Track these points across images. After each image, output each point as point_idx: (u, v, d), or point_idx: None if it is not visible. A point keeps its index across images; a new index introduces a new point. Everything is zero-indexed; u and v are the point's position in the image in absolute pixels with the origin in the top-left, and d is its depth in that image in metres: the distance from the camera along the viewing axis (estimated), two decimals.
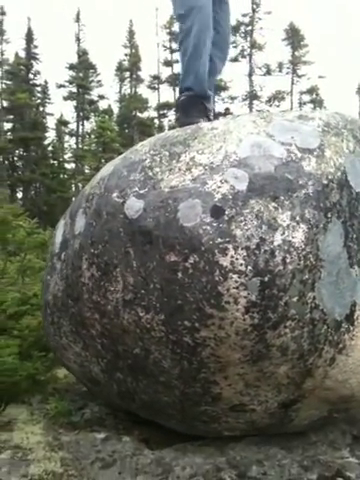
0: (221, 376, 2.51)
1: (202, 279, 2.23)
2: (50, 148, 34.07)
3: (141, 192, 2.48)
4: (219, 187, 2.32)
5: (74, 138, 37.44)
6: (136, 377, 2.77)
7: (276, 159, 2.43)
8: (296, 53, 36.98)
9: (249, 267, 2.18)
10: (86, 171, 29.24)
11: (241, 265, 2.18)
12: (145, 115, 37.15)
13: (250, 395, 2.62)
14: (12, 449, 3.05)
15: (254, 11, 34.22)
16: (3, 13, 35.40)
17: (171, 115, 36.59)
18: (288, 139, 2.57)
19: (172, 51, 36.46)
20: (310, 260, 2.29)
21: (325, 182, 2.44)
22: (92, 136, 30.85)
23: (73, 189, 33.51)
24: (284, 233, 2.25)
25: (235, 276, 2.17)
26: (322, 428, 3.16)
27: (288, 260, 2.23)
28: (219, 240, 2.20)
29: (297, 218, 2.29)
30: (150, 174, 2.55)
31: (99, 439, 3.20)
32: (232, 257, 2.18)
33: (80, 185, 28.66)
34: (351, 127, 2.86)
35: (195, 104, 3.43)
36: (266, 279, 2.20)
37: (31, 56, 36.67)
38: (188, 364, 2.49)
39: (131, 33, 38.11)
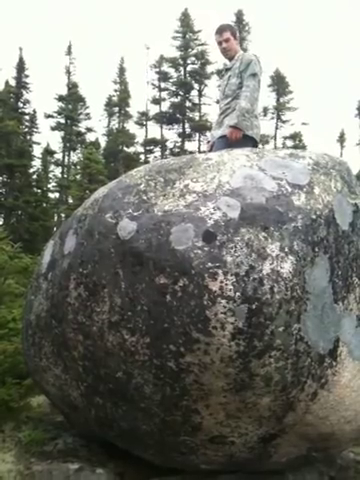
0: (203, 404, 2.53)
1: (190, 303, 2.29)
2: (35, 176, 34.28)
3: (135, 214, 2.57)
4: (212, 213, 2.42)
5: (60, 168, 37.92)
6: (116, 403, 2.77)
7: (267, 192, 2.55)
8: (281, 99, 38.34)
9: (238, 293, 2.25)
10: (70, 201, 29.41)
11: (230, 291, 2.25)
12: (132, 150, 37.95)
13: (231, 426, 2.64)
14: None
15: None
16: None
17: (157, 151, 37.43)
18: (279, 174, 2.70)
19: (160, 89, 37.71)
20: (297, 291, 2.38)
21: (313, 217, 2.56)
22: (78, 167, 31.21)
23: (55, 218, 33.65)
24: (273, 263, 2.34)
25: (223, 301, 2.24)
26: (299, 468, 3.17)
27: (276, 289, 2.31)
28: (210, 265, 2.28)
29: (286, 249, 2.39)
30: (144, 198, 2.64)
31: (72, 470, 3.17)
32: (222, 282, 2.25)
33: (63, 215, 28.79)
34: (339, 168, 3.01)
35: None
36: (254, 306, 2.27)
37: (21, 85, 37.33)
38: (170, 390, 2.51)
39: (122, 70, 39.20)
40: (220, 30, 4.52)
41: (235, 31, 4.69)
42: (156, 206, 2.58)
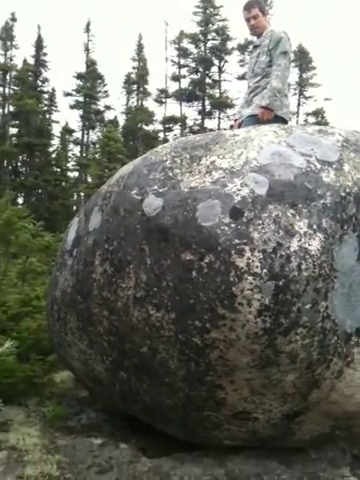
0: (227, 380, 2.55)
1: (216, 279, 2.30)
2: (54, 155, 34.46)
3: (161, 191, 2.57)
4: (239, 190, 2.41)
5: (78, 147, 37.93)
6: (140, 377, 2.82)
7: (296, 168, 2.53)
8: (304, 75, 37.52)
9: (265, 270, 2.25)
10: (89, 180, 29.46)
11: (257, 267, 2.25)
12: (150, 128, 37.65)
13: (255, 403, 2.66)
14: (8, 450, 3.09)
15: None
16: (14, 19, 35.89)
17: (176, 129, 37.14)
18: (308, 150, 2.67)
19: (180, 66, 37.21)
20: (325, 269, 2.37)
21: (343, 194, 2.54)
22: (97, 145, 31.18)
23: (75, 197, 33.84)
24: (301, 240, 2.33)
25: (250, 278, 2.25)
26: (322, 446, 3.19)
27: (303, 267, 2.30)
28: (236, 241, 2.28)
29: (314, 226, 2.38)
30: (170, 174, 2.64)
31: (96, 444, 3.24)
32: (248, 259, 2.25)
33: (82, 194, 28.95)
34: None
35: None
36: (281, 283, 2.27)
37: (40, 63, 37.27)
38: (195, 366, 2.54)
39: (140, 47, 38.62)
40: (248, 6, 4.36)
41: (263, 7, 4.53)
42: (182, 183, 2.58)
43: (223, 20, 35.63)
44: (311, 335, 2.40)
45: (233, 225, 2.32)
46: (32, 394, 4.03)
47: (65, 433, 3.41)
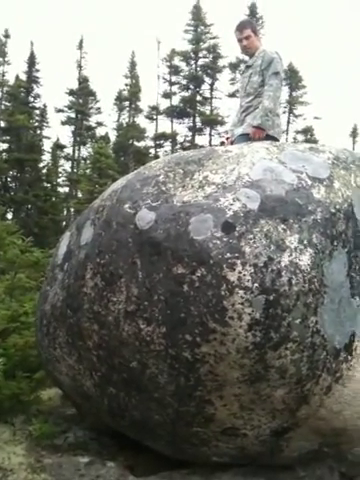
0: (217, 395, 2.56)
1: (208, 293, 2.32)
2: (44, 171, 34.50)
3: (153, 204, 2.60)
4: (231, 204, 2.45)
5: (69, 162, 38.03)
6: (129, 392, 2.81)
7: (287, 184, 2.58)
8: (294, 93, 38.06)
9: (256, 284, 2.28)
10: (79, 195, 29.45)
11: (248, 281, 2.28)
12: (142, 144, 37.82)
13: (244, 418, 2.67)
14: None
15: None
16: (7, 36, 36.15)
17: (167, 146, 37.37)
18: (299, 167, 2.73)
19: (171, 83, 37.55)
20: (315, 284, 2.41)
21: (333, 211, 2.59)
22: (88, 161, 31.24)
23: (65, 213, 33.77)
24: (291, 255, 2.37)
25: (241, 292, 2.27)
26: (310, 463, 3.19)
27: (294, 281, 2.34)
28: (228, 255, 2.31)
29: (305, 242, 2.42)
30: (163, 189, 2.67)
31: (83, 463, 3.21)
32: (240, 273, 2.28)
33: (72, 209, 28.93)
34: (359, 163, 3.04)
35: None
36: (271, 298, 2.30)
37: (32, 79, 37.48)
38: (185, 381, 2.55)
39: (132, 64, 38.85)
40: (240, 27, 4.44)
41: (255, 27, 4.64)
42: (175, 197, 2.61)
43: (214, 38, 36.09)
44: (301, 350, 2.42)
45: (225, 239, 2.35)
46: (18, 412, 3.98)
47: (51, 451, 3.37)
